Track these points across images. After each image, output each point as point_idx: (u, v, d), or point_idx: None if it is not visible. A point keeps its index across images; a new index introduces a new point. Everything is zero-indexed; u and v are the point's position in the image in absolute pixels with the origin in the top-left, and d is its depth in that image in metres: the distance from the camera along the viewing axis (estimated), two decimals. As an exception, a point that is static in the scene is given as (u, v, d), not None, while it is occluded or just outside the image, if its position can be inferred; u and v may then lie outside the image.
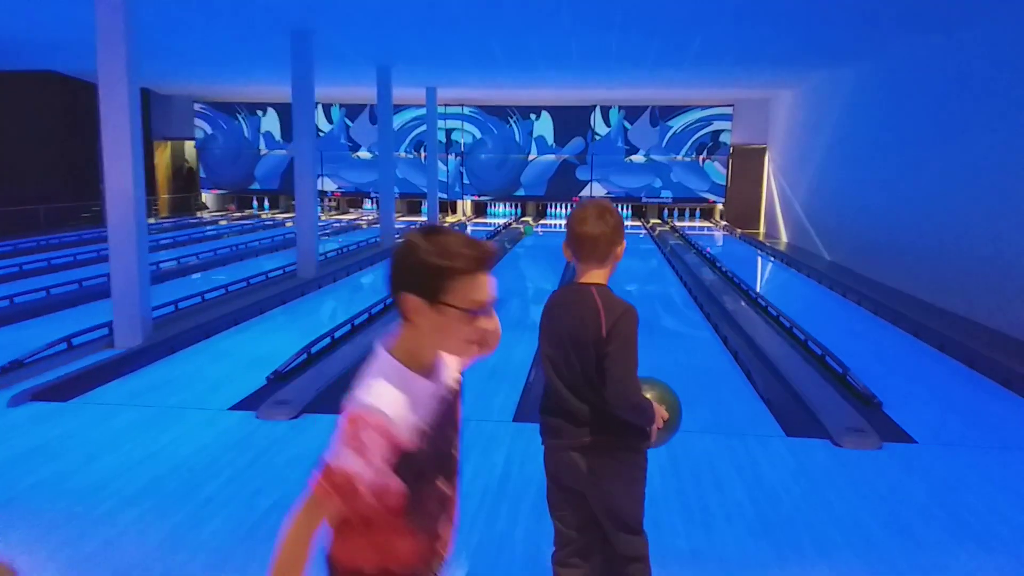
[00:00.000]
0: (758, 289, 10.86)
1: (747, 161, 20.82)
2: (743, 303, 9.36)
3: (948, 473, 4.20)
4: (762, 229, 20.06)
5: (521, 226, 20.12)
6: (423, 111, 19.79)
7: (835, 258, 13.57)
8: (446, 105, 21.54)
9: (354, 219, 21.55)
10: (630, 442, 2.38)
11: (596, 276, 2.36)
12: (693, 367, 6.46)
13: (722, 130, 21.08)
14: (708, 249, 14.81)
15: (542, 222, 21.68)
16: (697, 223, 21.60)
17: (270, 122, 23.12)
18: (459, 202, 23.26)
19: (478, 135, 22.34)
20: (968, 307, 8.37)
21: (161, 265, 11.40)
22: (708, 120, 21.15)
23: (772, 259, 14.56)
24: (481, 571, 3.09)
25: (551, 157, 22.05)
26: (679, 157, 21.44)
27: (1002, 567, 3.20)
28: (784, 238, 17.54)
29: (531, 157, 22.14)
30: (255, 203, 24.12)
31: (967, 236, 8.64)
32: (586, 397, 2.32)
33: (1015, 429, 5.06)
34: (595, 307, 2.26)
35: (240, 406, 5.19)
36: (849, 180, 13.25)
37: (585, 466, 2.36)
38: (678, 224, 20.95)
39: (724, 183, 21.35)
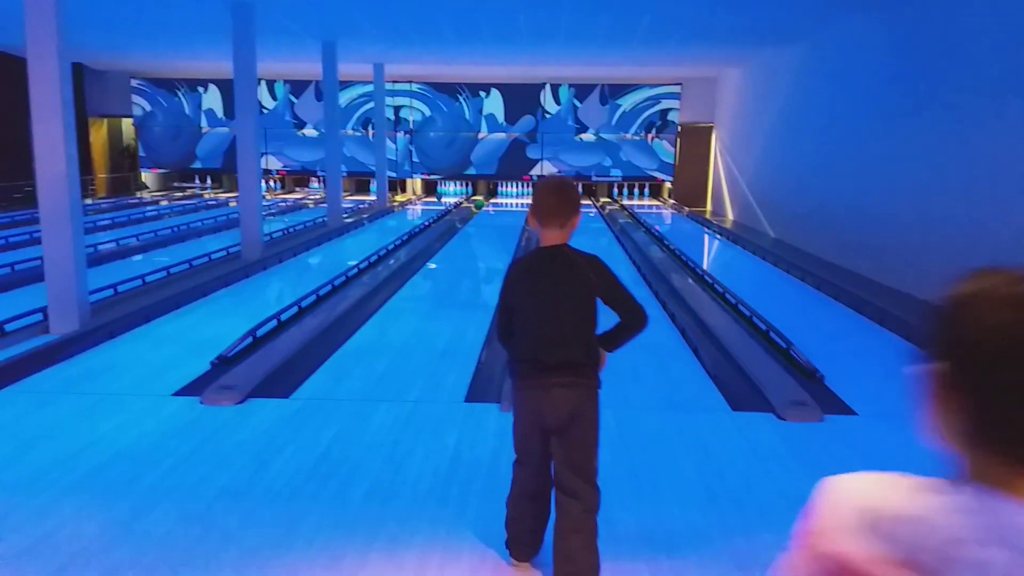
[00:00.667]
0: (705, 267, 11.02)
1: (695, 140, 21.05)
2: (691, 280, 9.50)
3: (887, 443, 4.33)
4: (709, 207, 20.35)
5: (471, 204, 20.03)
6: (370, 87, 19.49)
7: (779, 235, 13.84)
8: (394, 81, 21.23)
9: (300, 199, 21.17)
10: (597, 383, 2.71)
11: (558, 239, 2.70)
12: (642, 344, 6.48)
13: (670, 108, 21.25)
14: (657, 228, 14.97)
15: (493, 201, 21.61)
16: (646, 202, 21.79)
17: (212, 99, 22.49)
18: (409, 180, 23.03)
19: (427, 112, 22.10)
20: (907, 282, 8.63)
21: (99, 247, 11.03)
22: (657, 99, 21.29)
23: (719, 237, 14.79)
24: (432, 552, 3.08)
25: (501, 135, 21.96)
26: (628, 135, 21.56)
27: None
28: (730, 216, 17.82)
29: (481, 135, 22.01)
30: (197, 180, 23.54)
31: (906, 213, 8.89)
32: (573, 342, 2.64)
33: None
34: (571, 262, 2.66)
35: (184, 392, 5.07)
36: (793, 158, 13.50)
37: (571, 405, 2.62)
38: (627, 203, 21.11)
39: (672, 162, 21.56)
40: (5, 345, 5.97)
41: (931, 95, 8.39)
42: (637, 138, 21.55)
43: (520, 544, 2.93)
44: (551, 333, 2.63)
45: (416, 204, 20.65)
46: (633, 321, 2.73)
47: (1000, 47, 7.11)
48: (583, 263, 2.66)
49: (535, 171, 22.02)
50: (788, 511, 3.50)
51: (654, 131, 21.46)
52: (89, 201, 18.57)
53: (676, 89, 21.03)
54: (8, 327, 6.21)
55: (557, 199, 2.69)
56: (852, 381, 5.48)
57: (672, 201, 21.27)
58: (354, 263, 10.05)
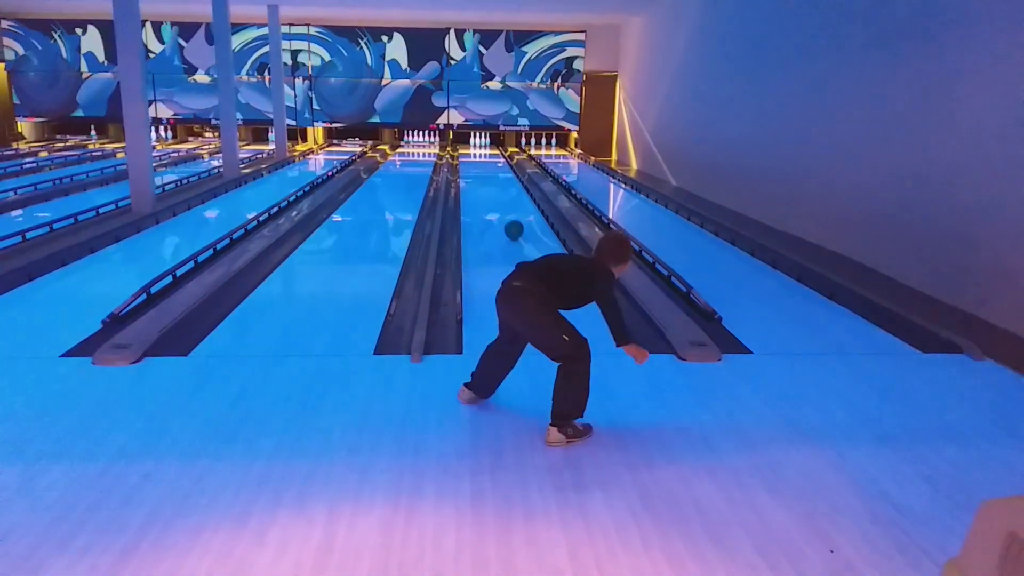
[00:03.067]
0: (611, 215, 11.21)
1: (600, 89, 21.16)
2: (597, 230, 9.65)
3: (779, 379, 4.57)
4: (614, 156, 20.61)
5: (378, 154, 19.58)
6: (265, 30, 18.60)
7: (680, 183, 14.18)
8: (290, 24, 20.33)
9: (194, 148, 20.18)
10: None
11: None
12: (550, 292, 6.61)
13: (575, 57, 21.24)
14: (564, 178, 15.06)
15: (400, 151, 21.19)
16: (553, 151, 21.86)
17: (91, 41, 20.99)
18: (310, 129, 22.27)
19: (327, 57, 21.32)
20: (797, 226, 9.04)
21: (-29, 202, 10.24)
22: (562, 47, 21.22)
23: (623, 186, 15.03)
24: (343, 505, 3.07)
25: (406, 82, 21.45)
26: (534, 84, 21.47)
27: (825, 457, 3.55)
28: (634, 165, 18.10)
29: (385, 82, 21.44)
30: (93, 132, 22.15)
31: (797, 161, 9.25)
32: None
33: (838, 336, 5.57)
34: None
35: (73, 353, 4.82)
36: (692, 107, 13.78)
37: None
38: (535, 152, 21.13)
39: (578, 111, 21.63)
40: None
41: (823, 43, 8.68)
42: (543, 87, 21.49)
43: None
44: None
45: (318, 153, 20.03)
46: None
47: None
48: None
49: (442, 120, 21.68)
50: (688, 446, 3.67)
51: (560, 79, 21.43)
52: (-43, 152, 17.13)
53: (580, 37, 20.99)
54: None
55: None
56: (748, 322, 5.73)
57: (579, 151, 21.42)
58: (253, 215, 9.70)
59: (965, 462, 3.56)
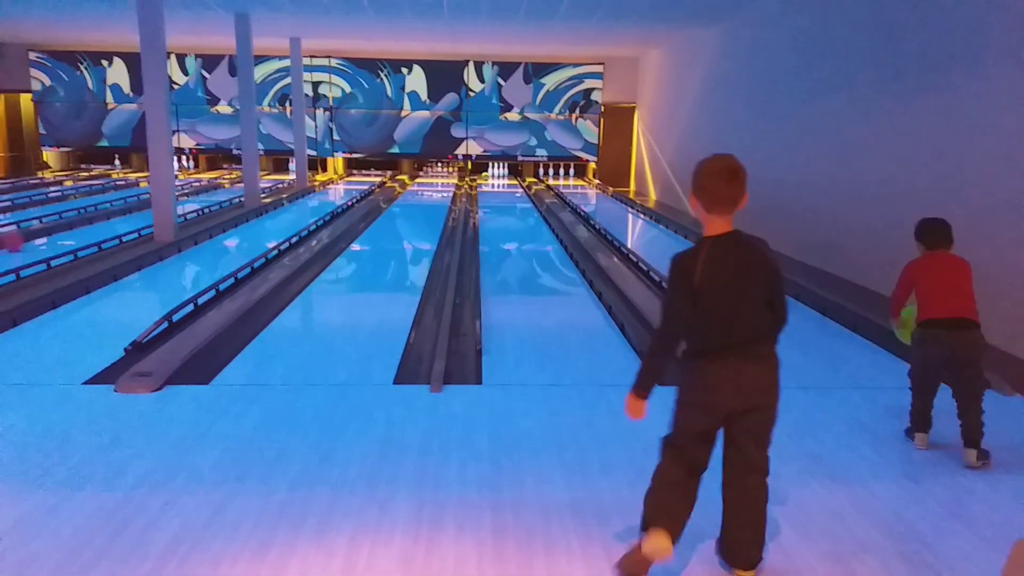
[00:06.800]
0: (629, 246, 11.20)
1: (618, 120, 21.28)
2: (616, 259, 9.63)
3: (804, 414, 4.50)
4: (632, 187, 20.65)
5: (397, 184, 19.74)
6: (287, 62, 18.91)
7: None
8: (312, 56, 20.67)
9: (215, 178, 20.44)
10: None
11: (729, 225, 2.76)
12: (570, 323, 6.59)
13: (594, 88, 21.40)
14: (582, 207, 15.10)
15: (419, 181, 21.35)
16: (571, 181, 21.94)
17: (117, 73, 21.41)
18: (330, 159, 22.51)
19: (347, 89, 21.60)
20: (821, 259, 8.97)
21: (-2, 230, 10.41)
22: (580, 78, 21.39)
23: (642, 216, 15.03)
24: (363, 537, 3.04)
25: (425, 114, 21.67)
26: (553, 115, 21.62)
27: (851, 494, 3.47)
28: (653, 195, 18.12)
29: (404, 113, 21.68)
30: (117, 161, 22.57)
31: (823, 194, 9.21)
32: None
33: (862, 370, 5.49)
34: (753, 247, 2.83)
35: (96, 380, 4.84)
36: (711, 139, 13.80)
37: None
38: (553, 183, 21.22)
39: (597, 142, 21.75)
40: None
41: (843, 76, 8.69)
42: (562, 118, 21.64)
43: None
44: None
45: (338, 183, 20.22)
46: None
47: (890, 37, 7.40)
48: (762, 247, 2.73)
49: (460, 150, 21.86)
50: (710, 480, 3.60)
51: (578, 111, 21.58)
52: (-15, 181, 17.46)
53: (599, 69, 21.17)
54: None
55: (740, 186, 2.73)
56: (770, 354, 5.65)
57: (597, 181, 21.49)
58: (274, 244, 9.78)
59: (996, 499, 3.48)
